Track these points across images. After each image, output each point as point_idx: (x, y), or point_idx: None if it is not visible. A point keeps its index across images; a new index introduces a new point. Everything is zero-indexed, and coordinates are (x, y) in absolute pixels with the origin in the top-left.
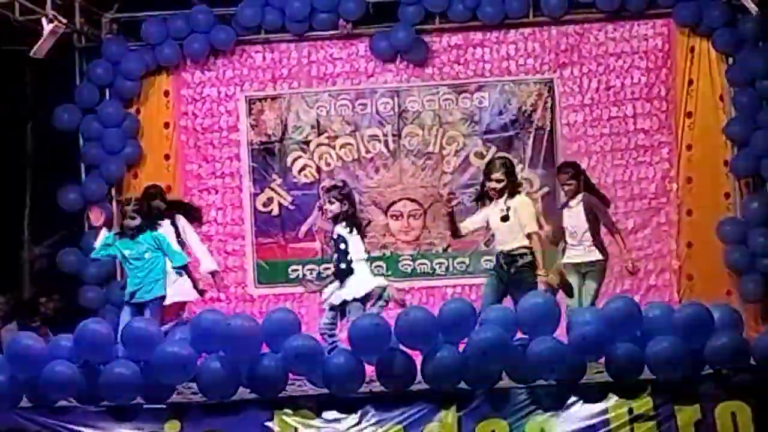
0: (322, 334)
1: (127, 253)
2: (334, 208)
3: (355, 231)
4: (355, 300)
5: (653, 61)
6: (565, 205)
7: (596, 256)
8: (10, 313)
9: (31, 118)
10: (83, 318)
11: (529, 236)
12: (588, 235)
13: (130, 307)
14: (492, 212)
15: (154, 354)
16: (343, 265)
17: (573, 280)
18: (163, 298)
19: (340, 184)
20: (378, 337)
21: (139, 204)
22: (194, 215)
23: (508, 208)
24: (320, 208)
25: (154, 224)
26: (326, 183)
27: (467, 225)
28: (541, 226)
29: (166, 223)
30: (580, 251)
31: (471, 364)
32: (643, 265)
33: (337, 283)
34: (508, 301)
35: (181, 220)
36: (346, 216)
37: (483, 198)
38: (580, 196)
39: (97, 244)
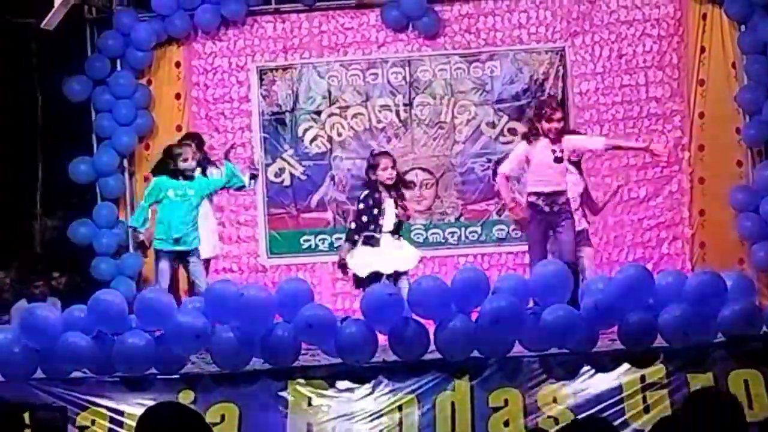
0: None
1: (171, 192)
2: (393, 174)
3: (392, 200)
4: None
5: (665, 28)
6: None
7: (584, 224)
8: (17, 285)
9: (42, 90)
10: (95, 290)
11: (607, 148)
12: (577, 202)
13: (169, 256)
14: (539, 151)
15: (168, 324)
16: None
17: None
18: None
19: (388, 152)
20: (391, 306)
21: (199, 148)
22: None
23: (562, 150)
24: (332, 178)
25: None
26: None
27: (506, 168)
28: None
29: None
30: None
31: (484, 333)
32: (656, 233)
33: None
34: None
35: (216, 173)
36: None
37: (526, 138)
38: (575, 167)
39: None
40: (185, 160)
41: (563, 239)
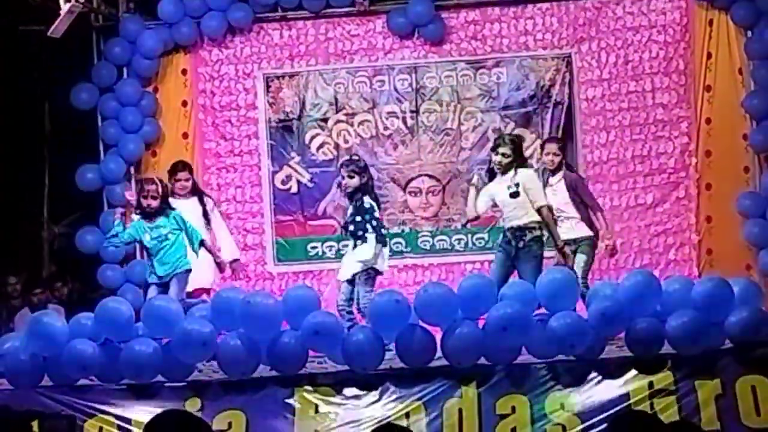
0: (340, 311)
1: (147, 237)
2: (354, 182)
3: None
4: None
5: (671, 34)
6: (546, 183)
7: (585, 231)
8: (23, 293)
9: (49, 98)
10: (102, 297)
11: (539, 210)
12: (572, 210)
13: (157, 286)
14: (498, 189)
15: (175, 332)
16: (383, 231)
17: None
18: (189, 271)
19: (356, 157)
20: (397, 313)
21: (163, 185)
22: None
23: (517, 184)
24: (339, 185)
25: (170, 208)
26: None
27: (479, 207)
28: None
29: (194, 200)
30: (566, 228)
31: (491, 339)
32: (663, 239)
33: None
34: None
35: (209, 202)
36: (367, 188)
37: (492, 176)
38: (560, 174)
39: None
40: (145, 197)
41: (523, 270)
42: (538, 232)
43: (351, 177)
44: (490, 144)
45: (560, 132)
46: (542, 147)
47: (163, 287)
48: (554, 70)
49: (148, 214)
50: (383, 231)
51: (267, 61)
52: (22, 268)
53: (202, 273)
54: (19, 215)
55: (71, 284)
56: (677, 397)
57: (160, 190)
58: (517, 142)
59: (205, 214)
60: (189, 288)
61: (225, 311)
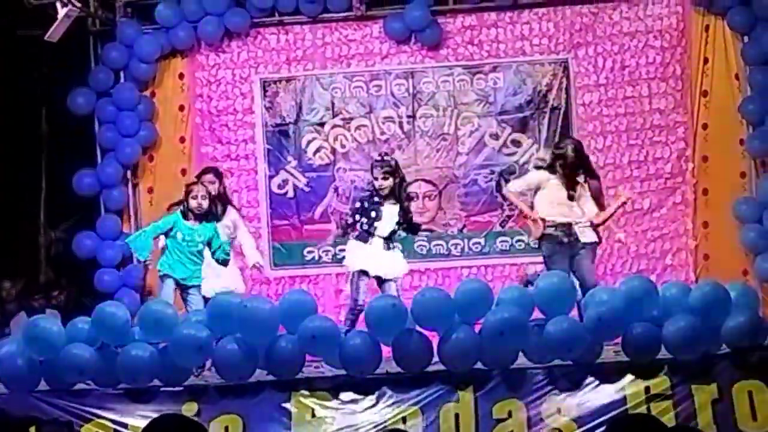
0: (357, 308)
1: (179, 235)
2: (389, 183)
3: (397, 207)
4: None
5: (668, 40)
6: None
7: (594, 238)
8: (19, 298)
9: (46, 102)
10: (99, 301)
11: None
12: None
13: (176, 283)
14: (555, 185)
15: (172, 336)
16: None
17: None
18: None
19: (387, 157)
20: (394, 318)
21: (206, 187)
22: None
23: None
24: (335, 189)
25: (217, 214)
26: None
27: (517, 186)
28: None
29: (230, 209)
30: (579, 231)
31: (487, 344)
32: (660, 244)
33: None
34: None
35: (232, 214)
36: (402, 189)
37: (551, 167)
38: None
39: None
40: (194, 197)
41: (585, 266)
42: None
43: (385, 178)
44: (487, 149)
45: (557, 137)
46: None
47: (180, 288)
48: (551, 75)
49: (196, 216)
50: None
51: (264, 66)
52: (18, 273)
53: (232, 281)
54: (15, 219)
55: (68, 289)
56: (674, 402)
57: (206, 192)
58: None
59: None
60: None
61: (222, 316)
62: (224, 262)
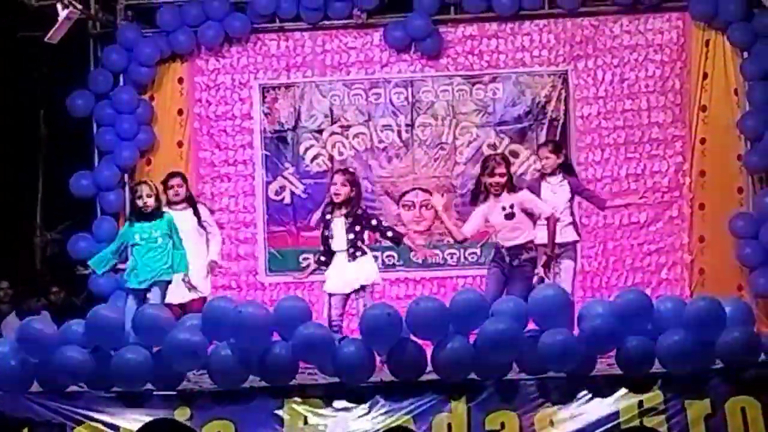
0: (333, 325)
1: (137, 237)
2: (346, 191)
3: (342, 220)
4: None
5: (668, 54)
6: (542, 178)
7: (572, 236)
8: (14, 299)
9: (44, 104)
10: (94, 304)
11: (548, 219)
12: (567, 213)
13: (134, 294)
14: (492, 211)
15: (165, 341)
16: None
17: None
18: (169, 282)
19: (351, 170)
20: (389, 326)
21: (152, 185)
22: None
23: (512, 206)
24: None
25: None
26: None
27: (467, 230)
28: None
29: (189, 212)
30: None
31: (481, 355)
32: (655, 258)
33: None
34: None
35: (204, 211)
36: (358, 200)
37: (477, 197)
38: (561, 176)
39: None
40: (140, 197)
41: (516, 288)
42: (533, 253)
43: (344, 185)
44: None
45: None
46: (537, 154)
47: (141, 296)
48: (550, 87)
49: (145, 215)
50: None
51: (263, 72)
52: (13, 274)
53: (197, 282)
54: (12, 221)
55: (63, 289)
56: (667, 416)
57: (154, 189)
58: (508, 161)
59: (201, 224)
60: (184, 300)
61: (216, 321)
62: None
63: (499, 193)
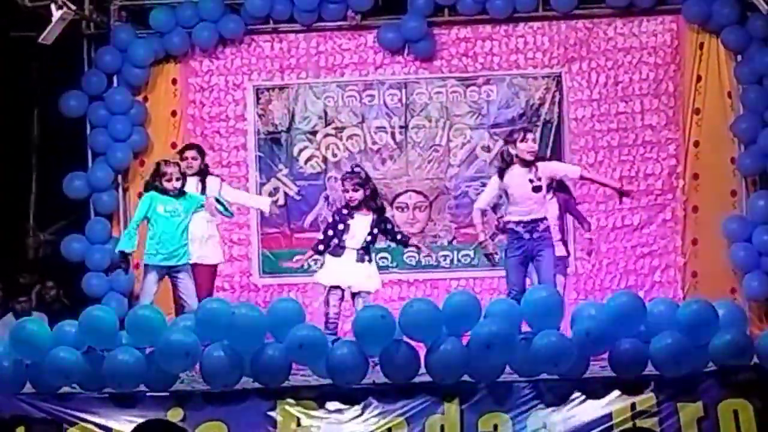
0: (330, 322)
1: (161, 208)
2: (359, 195)
3: (369, 218)
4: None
5: (662, 57)
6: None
7: (562, 252)
8: (6, 299)
9: (38, 105)
10: (87, 305)
11: (582, 177)
12: (557, 230)
13: (157, 271)
14: (516, 182)
15: (158, 341)
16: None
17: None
18: (190, 264)
19: (357, 169)
20: (382, 328)
21: (178, 166)
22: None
23: (539, 178)
24: (326, 198)
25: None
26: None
27: (481, 203)
28: None
29: (194, 180)
30: None
31: (474, 357)
32: (648, 261)
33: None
34: None
35: (213, 182)
36: (369, 202)
37: (503, 173)
38: (550, 194)
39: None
40: (169, 180)
41: (543, 267)
42: (547, 223)
43: (355, 190)
44: (479, 161)
45: (549, 151)
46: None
47: (163, 274)
48: (544, 89)
49: (172, 197)
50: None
51: (257, 73)
52: (5, 275)
53: (209, 251)
54: (4, 221)
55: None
56: (659, 419)
57: (180, 171)
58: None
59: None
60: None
61: (209, 322)
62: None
63: (531, 161)
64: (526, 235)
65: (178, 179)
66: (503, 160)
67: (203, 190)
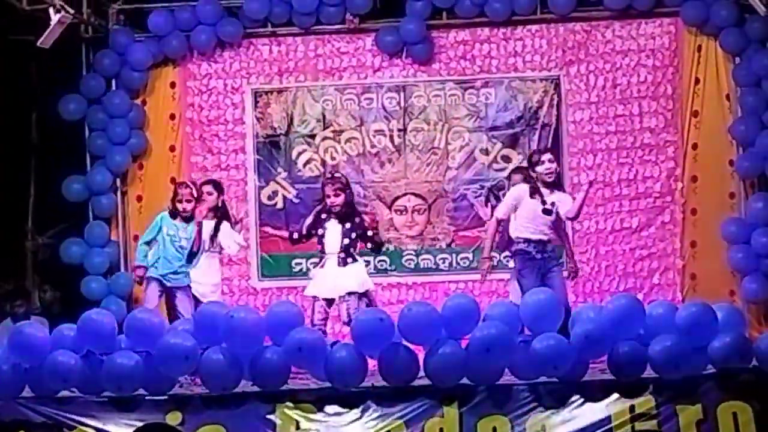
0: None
1: (165, 230)
2: (340, 200)
3: (342, 223)
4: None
5: (660, 59)
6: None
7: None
8: (5, 303)
9: (37, 108)
10: (86, 309)
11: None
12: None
13: (158, 282)
14: (530, 198)
15: (157, 345)
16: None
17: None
18: (189, 287)
19: (338, 174)
20: (381, 331)
21: (193, 188)
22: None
23: (553, 203)
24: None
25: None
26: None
27: (500, 213)
28: None
29: (212, 224)
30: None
31: (473, 360)
32: (647, 263)
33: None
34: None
35: (226, 226)
36: (353, 205)
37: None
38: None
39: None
40: (180, 201)
41: (556, 285)
42: (554, 245)
43: (337, 195)
44: (477, 164)
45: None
46: (531, 159)
47: (164, 287)
48: (542, 92)
49: (184, 219)
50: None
51: (256, 77)
52: (4, 278)
53: (209, 276)
54: (3, 225)
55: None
56: (658, 421)
57: (195, 193)
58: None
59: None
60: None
61: (208, 325)
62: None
63: (551, 182)
64: (538, 255)
65: (189, 201)
66: (527, 180)
67: (215, 234)
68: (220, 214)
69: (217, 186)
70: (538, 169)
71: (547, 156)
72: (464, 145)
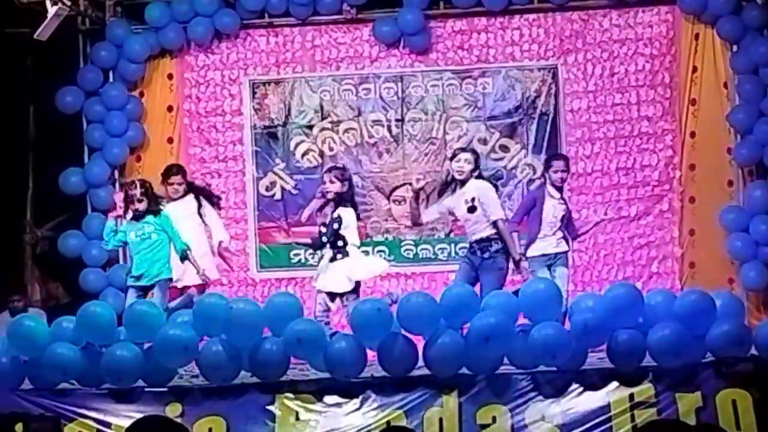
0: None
1: (132, 234)
2: (336, 187)
3: (353, 216)
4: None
5: (657, 48)
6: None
7: (565, 247)
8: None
9: (34, 101)
10: (85, 301)
11: (495, 223)
12: (561, 227)
13: (135, 290)
14: (456, 203)
15: (156, 337)
16: (340, 243)
17: (538, 269)
18: (170, 280)
19: (341, 166)
20: (380, 321)
21: (145, 187)
22: (214, 201)
23: (473, 199)
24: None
25: (158, 207)
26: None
27: (428, 215)
28: None
29: (188, 199)
30: (551, 242)
31: (472, 349)
32: (646, 252)
33: (326, 262)
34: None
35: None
36: (345, 198)
37: (446, 189)
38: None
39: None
40: (132, 201)
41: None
42: (501, 244)
43: (332, 182)
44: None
45: (545, 143)
46: (547, 163)
47: (143, 292)
48: (540, 81)
49: (137, 217)
50: (340, 243)
51: (253, 68)
52: (2, 271)
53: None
54: (1, 218)
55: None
56: (658, 409)
57: (143, 191)
58: (476, 153)
59: (200, 212)
60: (179, 285)
61: (207, 317)
62: (184, 256)
63: (463, 180)
64: (478, 253)
65: (140, 201)
66: (446, 181)
67: (199, 207)
68: (193, 188)
69: (183, 173)
70: (454, 165)
71: (560, 164)
72: (462, 134)
